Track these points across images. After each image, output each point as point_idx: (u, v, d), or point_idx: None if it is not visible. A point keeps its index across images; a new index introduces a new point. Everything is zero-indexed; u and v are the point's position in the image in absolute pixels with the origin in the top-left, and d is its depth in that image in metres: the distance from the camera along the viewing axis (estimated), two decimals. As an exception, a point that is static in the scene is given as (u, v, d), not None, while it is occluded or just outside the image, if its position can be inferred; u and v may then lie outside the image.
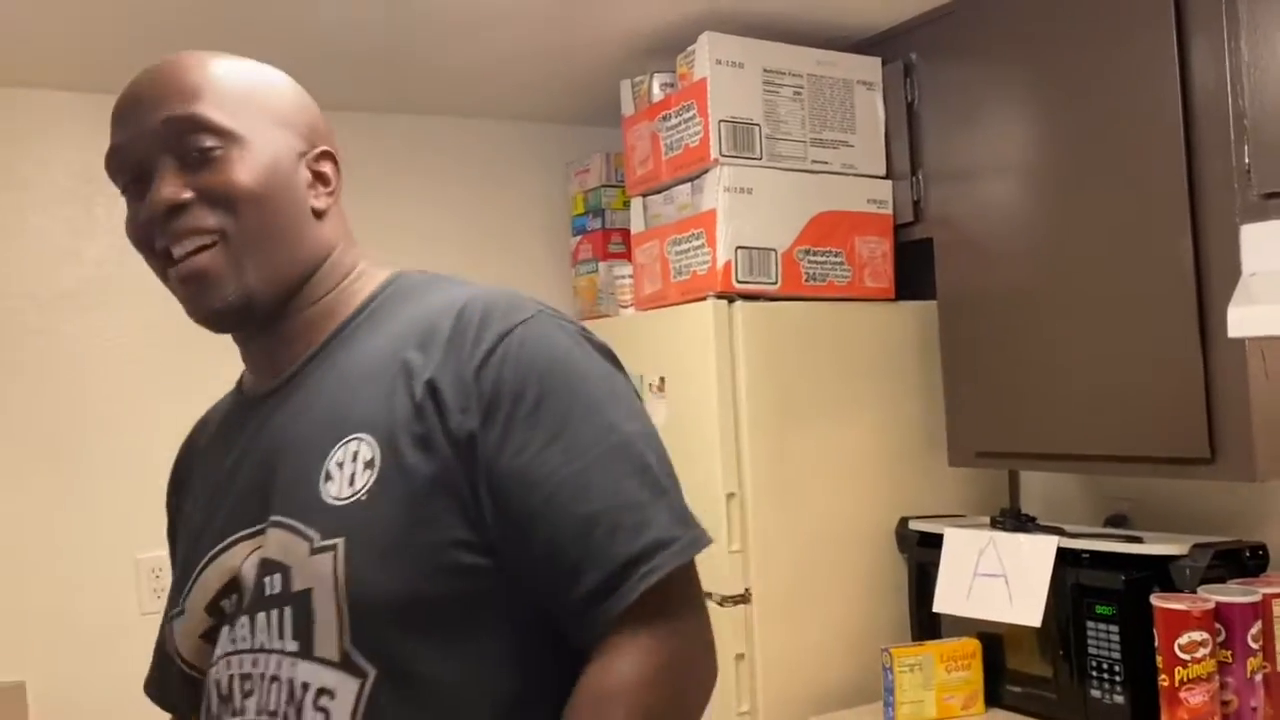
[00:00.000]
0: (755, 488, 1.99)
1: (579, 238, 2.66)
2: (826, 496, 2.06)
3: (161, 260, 0.93)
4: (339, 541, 0.85)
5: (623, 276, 2.40)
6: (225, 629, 0.93)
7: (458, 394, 0.86)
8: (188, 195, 0.90)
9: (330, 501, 0.86)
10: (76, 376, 2.25)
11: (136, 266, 0.99)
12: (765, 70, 2.05)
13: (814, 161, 2.11)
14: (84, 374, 2.25)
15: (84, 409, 2.24)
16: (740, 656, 1.96)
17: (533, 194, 2.76)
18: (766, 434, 2.00)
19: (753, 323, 2.00)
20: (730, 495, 1.97)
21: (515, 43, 2.11)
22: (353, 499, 0.85)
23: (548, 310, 0.92)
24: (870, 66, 2.18)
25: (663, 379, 2.10)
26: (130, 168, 0.93)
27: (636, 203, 2.29)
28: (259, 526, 0.91)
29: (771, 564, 1.99)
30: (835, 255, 2.12)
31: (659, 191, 2.21)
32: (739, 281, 2.01)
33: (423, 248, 2.60)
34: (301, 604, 0.86)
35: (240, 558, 0.92)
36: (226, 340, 1.01)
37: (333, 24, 1.95)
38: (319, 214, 0.97)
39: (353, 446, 0.88)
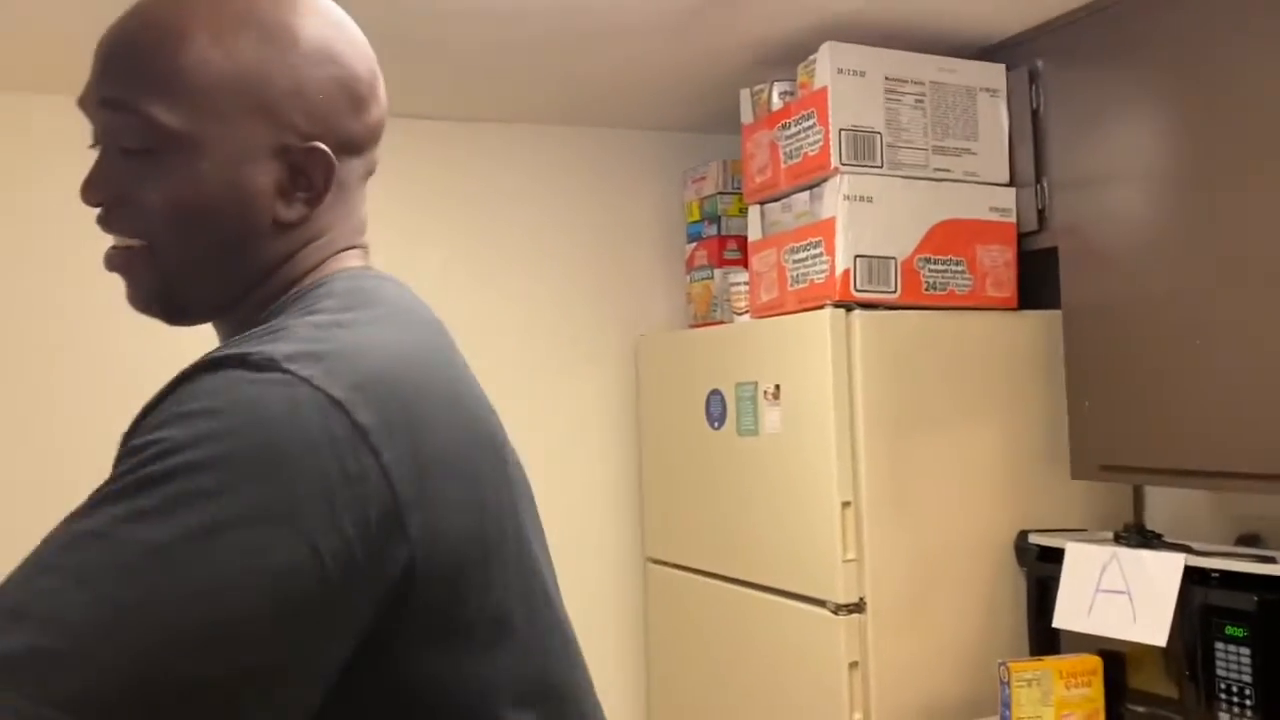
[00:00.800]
0: (871, 497, 1.98)
1: (694, 244, 2.69)
2: (944, 507, 2.05)
3: None
4: None
5: (738, 283, 2.41)
6: None
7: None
8: (108, 197, 0.76)
9: None
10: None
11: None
12: (887, 78, 2.05)
13: (936, 169, 2.10)
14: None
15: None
16: (854, 665, 1.96)
17: (648, 201, 2.81)
18: (884, 443, 2.00)
19: (871, 331, 2.00)
20: (845, 504, 1.97)
21: (638, 55, 2.15)
22: None
23: (287, 365, 0.64)
24: (994, 73, 2.16)
25: (778, 386, 2.12)
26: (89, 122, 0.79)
27: (754, 210, 2.30)
28: None
29: (887, 573, 1.99)
30: (956, 264, 2.10)
31: (777, 199, 2.23)
32: (857, 290, 2.01)
33: (538, 253, 2.67)
34: None
35: None
36: None
37: (463, 42, 2.01)
38: (284, 224, 0.77)
39: None
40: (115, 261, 0.78)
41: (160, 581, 0.57)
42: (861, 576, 1.97)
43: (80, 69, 0.79)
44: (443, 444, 0.69)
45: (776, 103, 2.19)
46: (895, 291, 2.05)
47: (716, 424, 2.32)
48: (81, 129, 0.79)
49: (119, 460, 0.63)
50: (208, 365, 0.65)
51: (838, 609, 1.97)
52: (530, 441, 2.59)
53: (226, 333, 0.81)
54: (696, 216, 2.70)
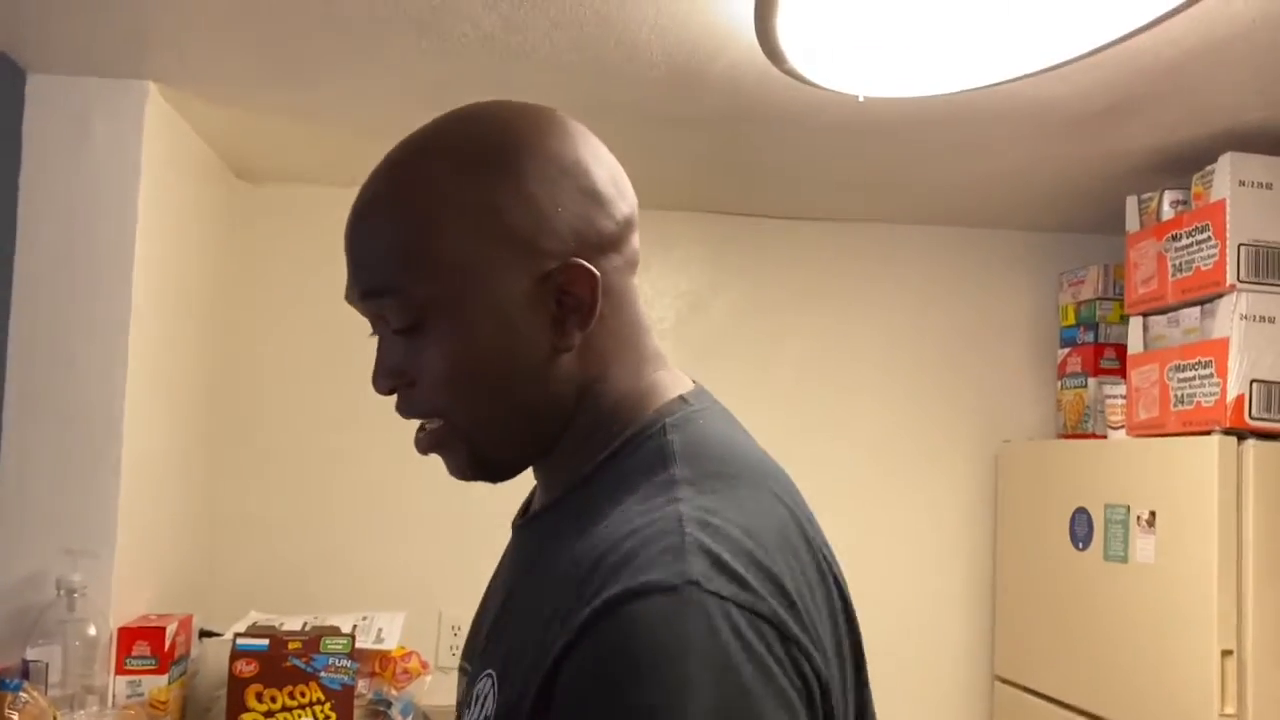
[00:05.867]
0: (1259, 647, 1.79)
1: (1067, 350, 2.57)
2: (1350, 670, 1.80)
3: None
4: None
5: (1114, 396, 2.28)
6: None
7: (534, 684, 0.65)
8: (396, 382, 0.77)
9: None
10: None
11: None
12: (1299, 190, 1.88)
13: (1356, 289, 1.88)
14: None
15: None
16: (1228, 835, 1.76)
17: (1018, 302, 2.73)
18: (1278, 588, 1.80)
19: (1268, 464, 1.82)
20: (1226, 652, 1.80)
21: (1020, 160, 2.12)
22: None
23: (706, 583, 0.62)
24: None
25: (1153, 514, 1.97)
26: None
27: (1136, 322, 2.17)
28: (469, 669, 0.82)
29: (1274, 736, 1.78)
30: (1378, 396, 1.87)
31: (1163, 312, 2.09)
32: (1252, 418, 1.85)
33: (897, 353, 2.67)
34: None
35: (460, 692, 0.84)
36: None
37: (839, 151, 2.08)
38: (563, 350, 0.75)
39: (485, 685, 0.73)
40: (427, 444, 0.79)
41: None
42: (1242, 735, 1.78)
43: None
44: (819, 625, 0.68)
45: (1167, 212, 2.07)
46: (1299, 422, 1.85)
47: (1081, 545, 2.20)
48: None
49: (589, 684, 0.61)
50: (622, 606, 0.62)
51: (1211, 768, 1.79)
52: (881, 546, 2.63)
53: (553, 476, 0.80)
54: (1072, 321, 2.58)
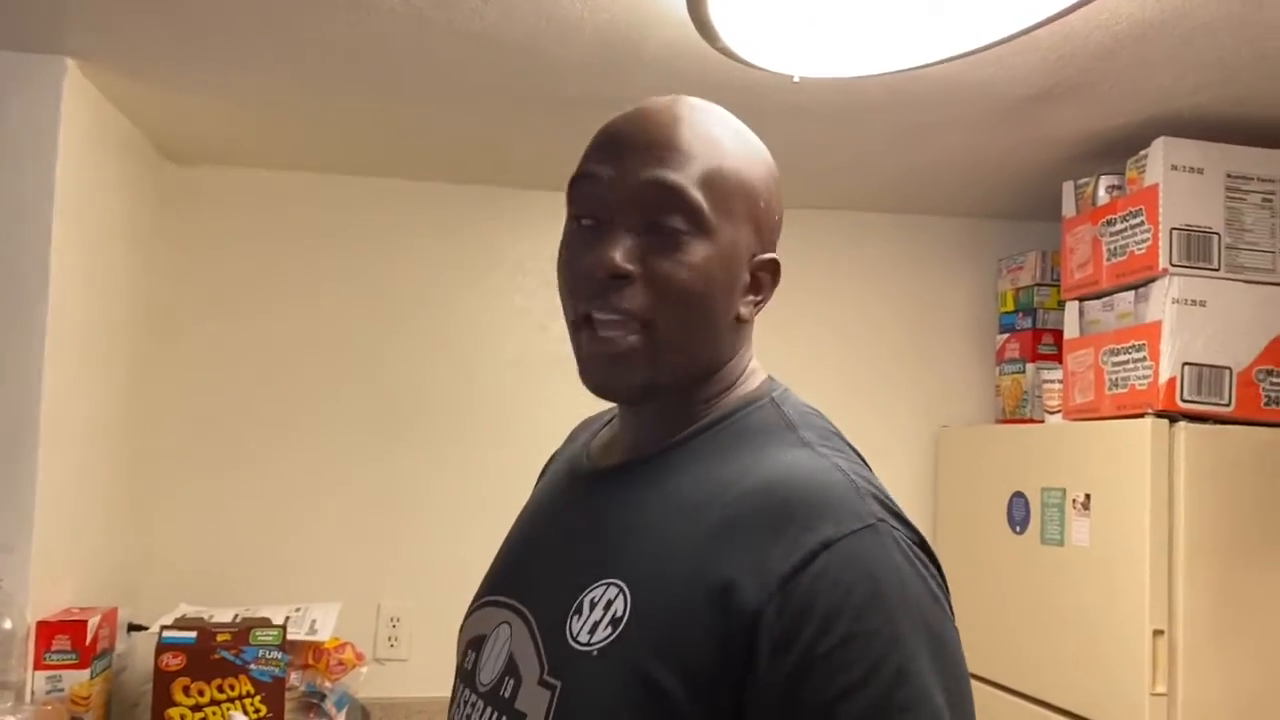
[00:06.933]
0: (1190, 626, 1.81)
1: (1006, 335, 2.59)
2: (1277, 646, 1.83)
3: (578, 319, 0.86)
4: (557, 685, 0.79)
5: (1051, 381, 2.30)
6: (462, 685, 0.91)
7: (753, 597, 0.74)
8: (634, 269, 0.83)
9: (569, 639, 0.80)
10: (532, 436, 2.53)
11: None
12: (1229, 175, 1.90)
13: (1284, 273, 1.91)
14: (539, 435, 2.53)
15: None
16: (1159, 813, 1.78)
17: (958, 288, 2.74)
18: (1207, 569, 1.82)
19: (1198, 446, 1.84)
20: (1158, 632, 1.82)
21: (958, 146, 2.12)
22: (586, 649, 0.78)
23: (888, 520, 0.78)
24: (1361, 169, 1.94)
25: (1088, 496, 1.99)
26: (592, 207, 0.86)
27: (1072, 306, 2.19)
28: (514, 604, 0.89)
29: (1204, 714, 1.80)
30: (1305, 379, 1.89)
31: (1098, 297, 2.11)
32: (1184, 400, 1.87)
33: (845, 337, 2.67)
34: None
35: (482, 625, 0.92)
36: None
37: (775, 135, 2.07)
38: (740, 320, 0.88)
39: (606, 591, 0.80)
40: (605, 347, 0.84)
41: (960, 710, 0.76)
42: (1173, 713, 1.80)
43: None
44: None
45: (1102, 197, 2.08)
46: (1229, 405, 1.87)
47: (1018, 528, 2.21)
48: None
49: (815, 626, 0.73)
50: (846, 536, 0.75)
51: (1143, 747, 1.80)
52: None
53: (662, 418, 0.89)
54: (1010, 307, 2.60)
